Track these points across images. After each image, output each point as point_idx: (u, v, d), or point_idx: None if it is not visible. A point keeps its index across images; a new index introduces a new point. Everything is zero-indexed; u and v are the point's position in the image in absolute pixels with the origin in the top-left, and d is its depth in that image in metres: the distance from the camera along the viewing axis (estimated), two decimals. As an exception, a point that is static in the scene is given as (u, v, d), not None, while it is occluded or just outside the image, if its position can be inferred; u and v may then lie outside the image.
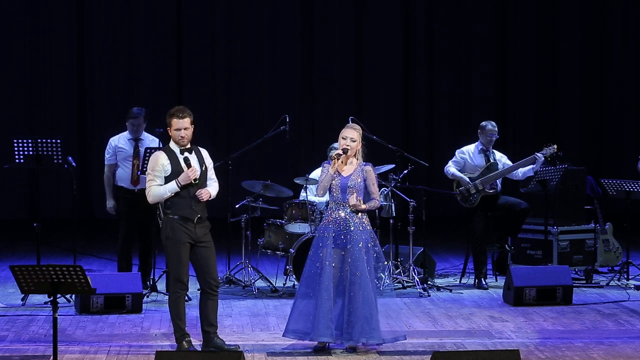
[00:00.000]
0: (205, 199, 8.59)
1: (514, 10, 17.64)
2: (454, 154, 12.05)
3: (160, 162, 8.60)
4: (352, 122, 11.21)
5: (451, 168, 11.96)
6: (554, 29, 17.71)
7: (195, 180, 8.56)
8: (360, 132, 8.94)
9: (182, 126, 8.61)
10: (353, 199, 8.72)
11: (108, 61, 16.96)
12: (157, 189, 8.58)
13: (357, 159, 8.86)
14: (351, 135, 8.84)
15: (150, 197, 8.64)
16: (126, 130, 11.35)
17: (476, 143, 12.00)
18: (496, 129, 11.93)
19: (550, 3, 17.70)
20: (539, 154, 11.72)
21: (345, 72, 17.48)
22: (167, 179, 8.57)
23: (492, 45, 17.68)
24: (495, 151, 12.03)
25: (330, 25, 17.42)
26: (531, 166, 11.78)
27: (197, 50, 17.18)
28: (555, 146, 11.82)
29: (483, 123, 11.98)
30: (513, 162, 11.94)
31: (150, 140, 11.33)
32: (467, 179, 11.82)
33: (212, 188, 8.72)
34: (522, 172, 11.87)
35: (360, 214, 8.79)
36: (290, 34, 17.33)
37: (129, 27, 17.02)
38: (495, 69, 17.75)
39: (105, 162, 11.32)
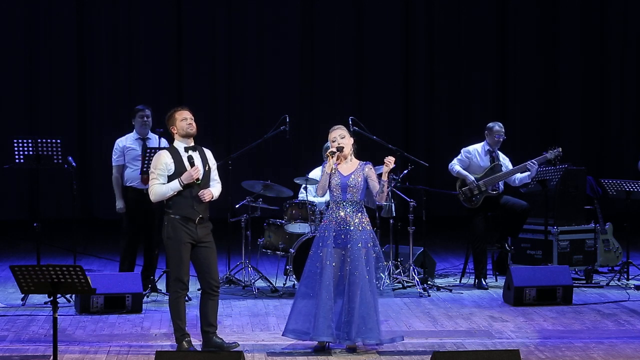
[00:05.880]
0: (207, 200, 8.59)
1: (515, 10, 17.64)
2: (459, 152, 12.04)
3: (163, 161, 8.59)
4: (352, 122, 11.28)
5: (456, 166, 11.96)
6: (554, 29, 17.71)
7: (197, 180, 8.55)
8: (346, 129, 8.97)
9: (188, 115, 8.63)
10: (390, 160, 8.71)
11: (108, 61, 16.96)
12: (160, 187, 8.57)
13: (352, 157, 8.88)
14: (339, 134, 8.87)
15: (152, 196, 8.64)
16: (132, 132, 11.32)
17: (482, 143, 12.00)
18: (503, 130, 11.94)
19: (550, 3, 17.70)
20: (531, 163, 11.71)
21: (345, 72, 17.48)
22: (170, 178, 8.56)
23: (492, 45, 17.68)
24: (500, 152, 12.04)
25: (330, 25, 17.42)
26: (527, 173, 11.78)
27: (197, 50, 17.17)
28: (560, 149, 11.82)
29: (490, 124, 11.98)
30: (514, 165, 11.96)
31: (156, 140, 11.31)
32: (472, 178, 11.82)
33: (215, 189, 8.72)
34: (519, 178, 11.88)
35: (360, 214, 8.80)
36: (290, 34, 17.34)
37: (129, 27, 17.02)
38: (496, 70, 17.75)
39: (113, 164, 11.26)
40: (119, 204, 11.22)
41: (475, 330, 9.62)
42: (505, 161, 12.03)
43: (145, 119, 11.21)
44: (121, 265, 11.37)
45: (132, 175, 11.18)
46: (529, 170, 11.73)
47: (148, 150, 10.90)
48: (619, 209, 13.42)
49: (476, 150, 11.98)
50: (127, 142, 11.27)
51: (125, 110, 16.23)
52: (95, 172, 16.43)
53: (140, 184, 11.13)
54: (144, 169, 10.87)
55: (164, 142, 11.12)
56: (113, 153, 11.28)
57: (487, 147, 11.97)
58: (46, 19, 16.82)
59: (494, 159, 11.95)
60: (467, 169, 11.93)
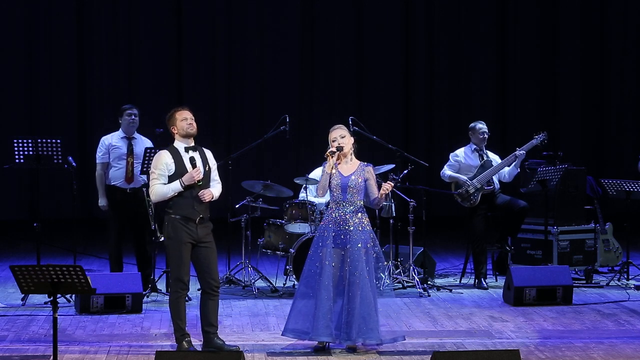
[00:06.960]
0: (207, 200, 8.59)
1: (515, 10, 17.64)
2: (448, 159, 12.09)
3: (164, 161, 8.59)
4: (352, 122, 11.29)
5: (447, 171, 12.00)
6: (554, 29, 17.71)
7: (199, 181, 8.55)
8: (346, 129, 8.97)
9: (188, 115, 8.64)
10: (387, 187, 8.70)
11: (108, 61, 16.95)
12: (161, 187, 8.57)
13: (352, 156, 8.87)
14: (340, 134, 8.86)
15: (153, 196, 8.64)
16: (118, 130, 11.34)
17: (468, 145, 12.06)
18: (485, 126, 12.01)
19: (550, 3, 17.70)
20: (518, 152, 11.77)
21: (345, 72, 17.48)
22: (171, 179, 8.57)
23: (492, 45, 17.68)
24: (487, 151, 12.08)
25: (330, 25, 17.42)
26: (514, 162, 11.83)
27: (197, 50, 17.17)
28: (545, 133, 11.91)
29: (472, 124, 12.08)
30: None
31: (143, 140, 11.32)
32: (465, 178, 11.85)
33: (215, 189, 8.72)
34: (508, 172, 11.90)
35: (360, 214, 8.79)
36: (290, 34, 17.33)
37: (129, 27, 17.01)
38: (496, 70, 17.75)
39: (98, 161, 11.31)
40: (102, 202, 11.27)
41: (475, 330, 9.62)
42: (494, 157, 12.08)
43: (133, 117, 11.24)
44: (111, 266, 11.41)
45: (115, 174, 11.21)
46: (517, 157, 11.78)
47: (148, 151, 10.92)
48: (619, 209, 13.41)
49: (463, 152, 12.04)
50: (112, 140, 11.30)
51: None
52: (95, 172, 16.40)
53: (124, 183, 11.16)
54: (144, 169, 10.88)
55: (148, 142, 11.17)
56: (98, 150, 11.32)
57: (474, 147, 12.01)
58: (46, 19, 16.82)
59: (482, 156, 11.98)
60: (458, 172, 11.96)
